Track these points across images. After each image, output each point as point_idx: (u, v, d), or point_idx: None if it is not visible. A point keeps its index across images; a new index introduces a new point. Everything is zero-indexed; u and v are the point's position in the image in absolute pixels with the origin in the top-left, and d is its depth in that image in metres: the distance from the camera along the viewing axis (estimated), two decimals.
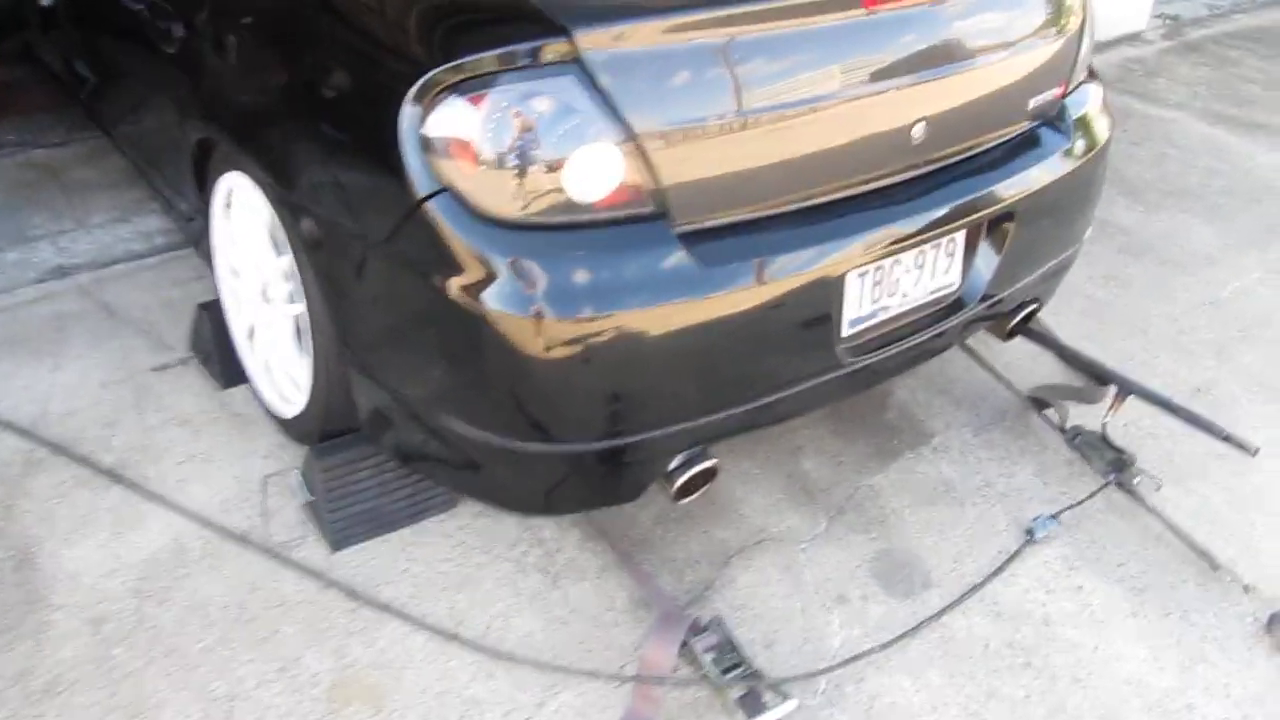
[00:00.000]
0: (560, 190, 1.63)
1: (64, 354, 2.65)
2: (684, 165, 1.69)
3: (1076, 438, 2.44)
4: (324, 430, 2.17)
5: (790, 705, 1.79)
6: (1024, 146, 2.20)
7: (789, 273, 1.79)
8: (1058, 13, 2.18)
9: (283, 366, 2.28)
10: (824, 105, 1.80)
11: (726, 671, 1.81)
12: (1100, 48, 5.21)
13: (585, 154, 1.61)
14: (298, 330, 2.18)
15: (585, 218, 1.66)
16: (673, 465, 1.90)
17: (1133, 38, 5.43)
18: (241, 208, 2.24)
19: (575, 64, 1.59)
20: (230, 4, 2.07)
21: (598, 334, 1.66)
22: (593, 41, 1.58)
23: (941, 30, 1.94)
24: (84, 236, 3.13)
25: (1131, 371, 2.79)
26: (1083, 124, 2.32)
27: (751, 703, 1.78)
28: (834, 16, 1.77)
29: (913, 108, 1.92)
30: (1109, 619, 2.10)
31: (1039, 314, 2.53)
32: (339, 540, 2.13)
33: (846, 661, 1.95)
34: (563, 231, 1.65)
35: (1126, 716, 1.91)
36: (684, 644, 1.84)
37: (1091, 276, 3.24)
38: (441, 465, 1.97)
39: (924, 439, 2.54)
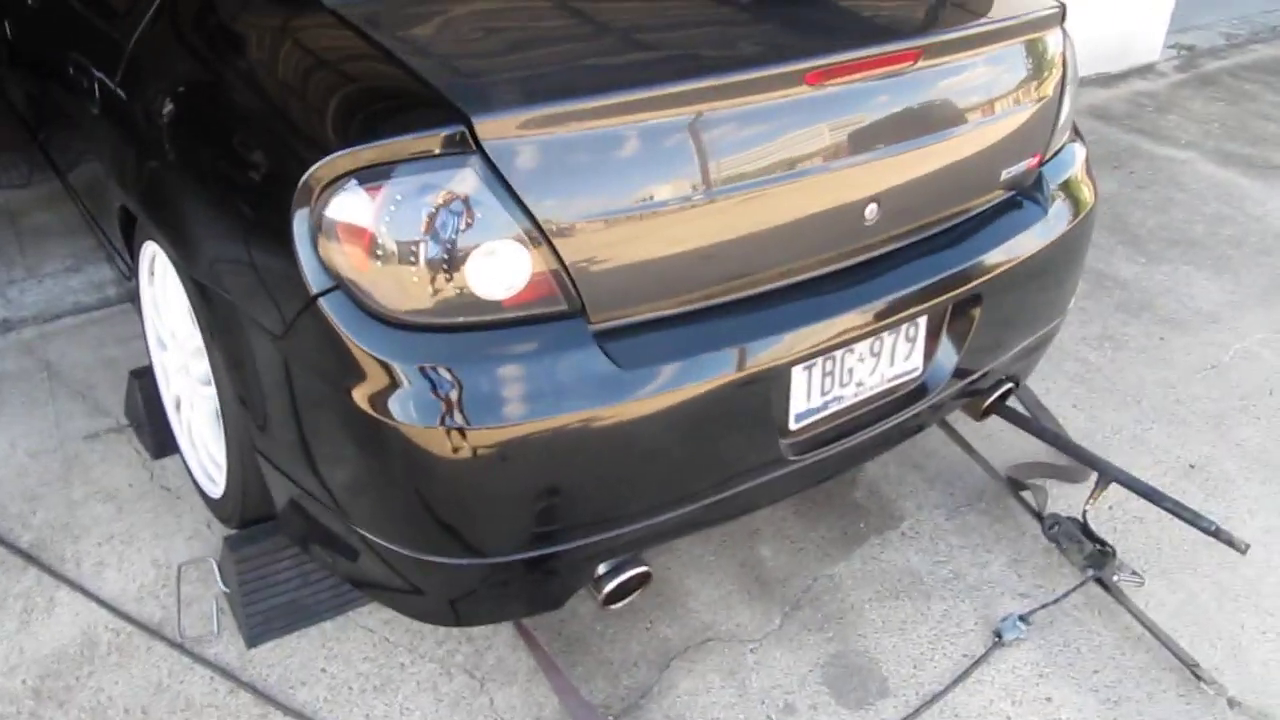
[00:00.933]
0: (464, 288, 1.49)
1: None
2: (601, 259, 1.55)
3: (1054, 527, 2.28)
4: (244, 516, 2.04)
5: None
6: (993, 221, 2.04)
7: (721, 370, 1.64)
8: (1031, 77, 2.03)
9: (205, 445, 2.16)
10: (761, 190, 1.65)
11: None
12: (1110, 81, 5.05)
13: (490, 249, 1.48)
14: (216, 410, 2.07)
15: (493, 317, 1.53)
16: (601, 571, 1.76)
17: (1145, 70, 5.24)
18: (163, 278, 2.12)
19: (477, 153, 1.45)
20: (141, 70, 1.96)
21: (510, 444, 1.52)
22: (495, 129, 1.45)
23: (898, 103, 1.79)
24: (34, 287, 3.03)
25: (1121, 446, 2.65)
26: (1062, 193, 2.16)
27: None
28: (773, 95, 1.63)
29: (863, 188, 1.78)
30: None
31: (1024, 384, 2.38)
32: (254, 636, 2.00)
33: None
34: (469, 332, 1.52)
35: None
36: None
37: (1085, 337, 3.08)
38: (351, 569, 1.83)
39: (893, 522, 2.39)
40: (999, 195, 2.07)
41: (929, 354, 1.99)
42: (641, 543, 1.76)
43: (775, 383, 1.73)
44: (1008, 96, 1.98)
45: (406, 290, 1.49)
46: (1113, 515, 2.42)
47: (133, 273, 2.38)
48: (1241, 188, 4.06)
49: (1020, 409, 2.52)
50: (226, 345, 1.79)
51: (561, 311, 1.55)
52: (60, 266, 3.14)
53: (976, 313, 1.99)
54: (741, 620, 2.12)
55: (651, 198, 1.56)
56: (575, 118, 1.48)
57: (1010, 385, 2.28)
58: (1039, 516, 2.34)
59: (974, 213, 2.03)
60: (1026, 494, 2.42)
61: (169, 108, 1.85)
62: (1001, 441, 2.61)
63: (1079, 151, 2.28)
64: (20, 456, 2.44)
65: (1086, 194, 2.23)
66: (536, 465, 1.56)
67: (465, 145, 1.45)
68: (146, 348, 2.37)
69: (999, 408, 2.34)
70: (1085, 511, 2.28)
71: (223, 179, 1.70)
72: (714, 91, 1.56)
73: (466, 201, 1.46)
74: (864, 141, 1.75)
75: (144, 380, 2.41)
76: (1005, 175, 2.04)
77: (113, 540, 2.22)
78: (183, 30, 1.89)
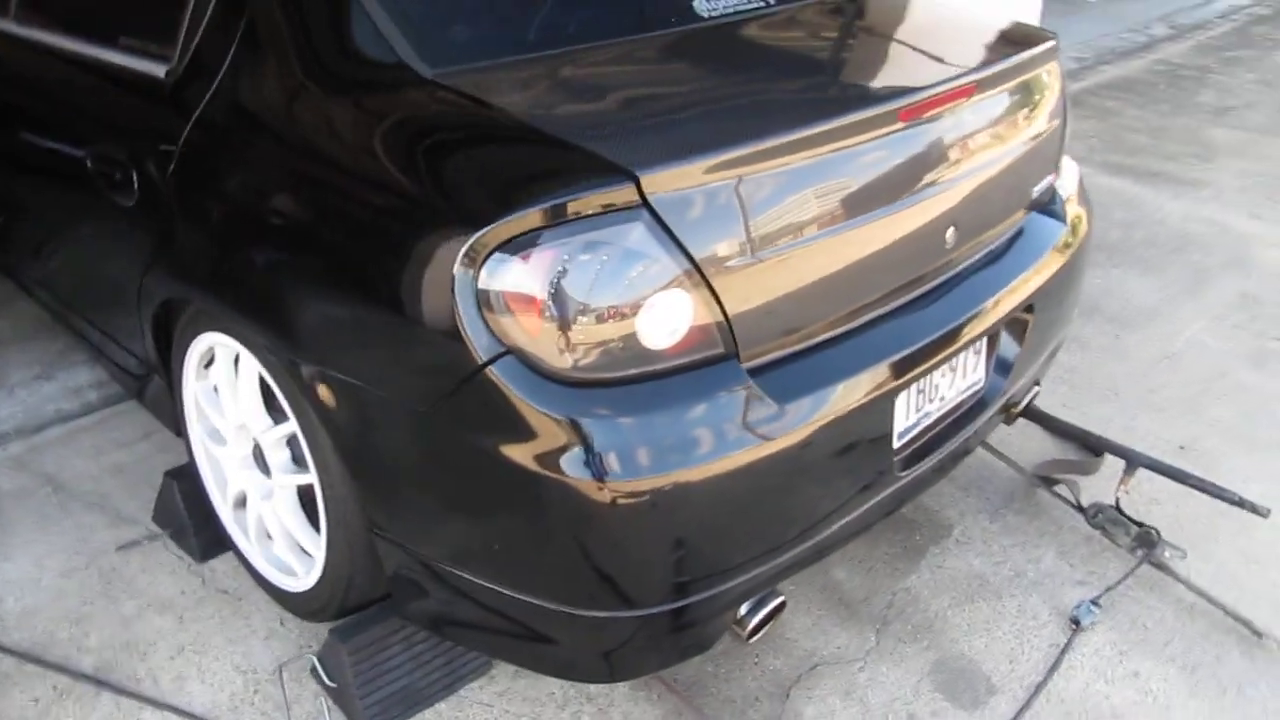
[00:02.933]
0: (634, 340, 1.53)
1: (9, 541, 2.37)
2: (751, 298, 1.61)
3: (1098, 515, 2.44)
4: (345, 604, 1.98)
5: None
6: (1030, 235, 2.20)
7: (855, 394, 1.73)
8: (1046, 100, 2.21)
9: (285, 538, 2.08)
10: (870, 221, 1.75)
11: None
12: None
13: (659, 300, 1.52)
14: (300, 498, 2.00)
15: (658, 366, 1.56)
16: (744, 610, 1.80)
17: None
18: (226, 371, 2.04)
19: (643, 208, 1.49)
20: (204, 160, 1.90)
21: (683, 490, 1.55)
22: (659, 183, 1.49)
23: (961, 132, 1.92)
24: (5, 399, 2.84)
25: (1116, 436, 2.84)
26: (1072, 202, 2.35)
27: None
28: (873, 135, 1.73)
29: (943, 212, 1.90)
30: (1172, 703, 2.08)
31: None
32: None
33: None
34: (637, 384, 1.55)
35: None
36: None
37: None
38: (491, 636, 1.81)
39: (944, 531, 2.50)
40: (1025, 213, 2.23)
41: (988, 365, 2.12)
42: (785, 574, 1.80)
43: (891, 401, 1.82)
44: (1033, 119, 2.15)
45: (577, 349, 1.51)
46: (1132, 500, 2.61)
47: (155, 369, 2.28)
48: (1137, 195, 4.44)
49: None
50: (340, 429, 1.75)
51: (719, 354, 1.60)
52: (29, 375, 2.94)
53: (1028, 321, 2.13)
54: (840, 643, 2.18)
55: (794, 235, 1.64)
56: (728, 165, 1.55)
57: (1037, 387, 2.44)
58: (1080, 509, 2.50)
59: (1011, 231, 2.18)
60: (1060, 489, 2.58)
61: (258, 197, 1.80)
62: (1008, 444, 2.77)
63: (1073, 166, 2.48)
64: (51, 578, 2.27)
65: (1086, 203, 2.43)
66: (707, 508, 1.59)
67: (631, 201, 1.49)
68: (187, 447, 2.26)
69: (1026, 411, 2.49)
70: (1118, 499, 2.46)
71: (346, 264, 1.66)
72: (839, 132, 1.66)
73: (636, 256, 1.50)
74: (942, 169, 1.88)
75: (183, 482, 2.30)
76: (1035, 192, 2.21)
77: (184, 652, 2.10)
78: (260, 118, 1.84)
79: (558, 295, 1.49)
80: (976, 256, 2.07)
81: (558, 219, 1.48)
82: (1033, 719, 2.03)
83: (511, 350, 1.51)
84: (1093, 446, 2.55)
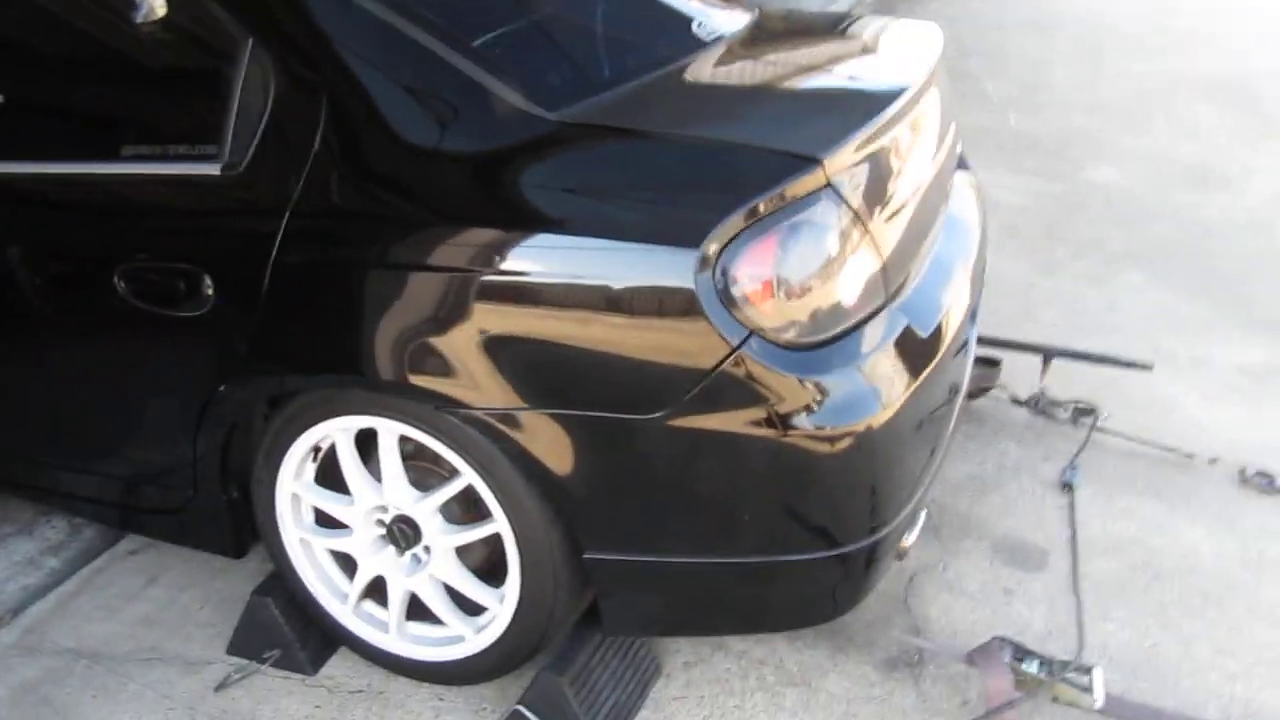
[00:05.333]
0: (837, 302, 1.76)
1: None
2: (887, 246, 1.88)
3: (1039, 403, 2.96)
4: (539, 645, 2.01)
5: (1100, 672, 2.03)
6: (962, 183, 2.66)
7: (955, 315, 2.08)
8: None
9: (445, 605, 2.05)
10: (928, 171, 2.11)
11: (1045, 669, 2.02)
12: None
13: (850, 264, 1.77)
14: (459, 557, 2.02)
15: (849, 324, 1.80)
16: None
17: None
18: (350, 456, 1.99)
19: (827, 187, 1.73)
20: (352, 247, 1.85)
21: (896, 423, 1.80)
22: (835, 162, 1.74)
23: (937, 103, 2.32)
24: None
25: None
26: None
27: (1080, 684, 2.00)
28: (916, 104, 2.07)
29: (946, 162, 2.29)
30: (1162, 521, 2.61)
31: None
32: None
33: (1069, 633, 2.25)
34: (841, 340, 1.78)
35: (1237, 577, 2.41)
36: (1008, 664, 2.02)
37: None
38: (731, 612, 1.95)
39: None
40: None
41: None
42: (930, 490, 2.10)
43: (966, 318, 2.18)
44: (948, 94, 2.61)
45: (802, 318, 1.73)
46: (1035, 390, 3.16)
47: (209, 491, 2.15)
48: None
49: None
50: (545, 465, 1.81)
51: (882, 303, 1.87)
52: None
53: (984, 251, 2.59)
54: (916, 553, 2.50)
55: (896, 187, 1.93)
56: (867, 140, 1.82)
57: None
58: (1021, 402, 3.00)
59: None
60: (995, 393, 3.07)
61: (417, 274, 1.80)
62: None
63: None
64: None
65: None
66: (906, 434, 1.86)
67: (818, 183, 1.73)
68: (277, 557, 2.14)
69: None
70: (1044, 387, 2.99)
71: (547, 313, 1.73)
72: (908, 105, 1.98)
73: (829, 228, 1.74)
74: (939, 130, 2.26)
75: (276, 595, 2.18)
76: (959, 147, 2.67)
77: None
78: (381, 195, 1.84)
79: (781, 275, 1.70)
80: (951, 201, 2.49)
81: (768, 210, 1.69)
82: (1086, 563, 2.47)
83: (754, 332, 1.69)
84: (1019, 349, 3.06)
